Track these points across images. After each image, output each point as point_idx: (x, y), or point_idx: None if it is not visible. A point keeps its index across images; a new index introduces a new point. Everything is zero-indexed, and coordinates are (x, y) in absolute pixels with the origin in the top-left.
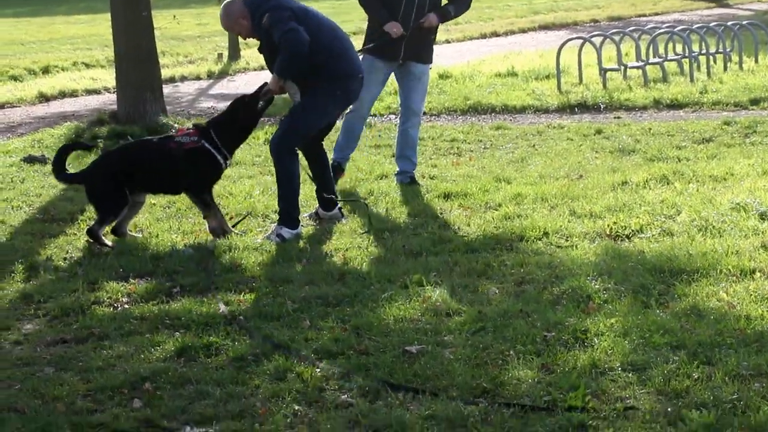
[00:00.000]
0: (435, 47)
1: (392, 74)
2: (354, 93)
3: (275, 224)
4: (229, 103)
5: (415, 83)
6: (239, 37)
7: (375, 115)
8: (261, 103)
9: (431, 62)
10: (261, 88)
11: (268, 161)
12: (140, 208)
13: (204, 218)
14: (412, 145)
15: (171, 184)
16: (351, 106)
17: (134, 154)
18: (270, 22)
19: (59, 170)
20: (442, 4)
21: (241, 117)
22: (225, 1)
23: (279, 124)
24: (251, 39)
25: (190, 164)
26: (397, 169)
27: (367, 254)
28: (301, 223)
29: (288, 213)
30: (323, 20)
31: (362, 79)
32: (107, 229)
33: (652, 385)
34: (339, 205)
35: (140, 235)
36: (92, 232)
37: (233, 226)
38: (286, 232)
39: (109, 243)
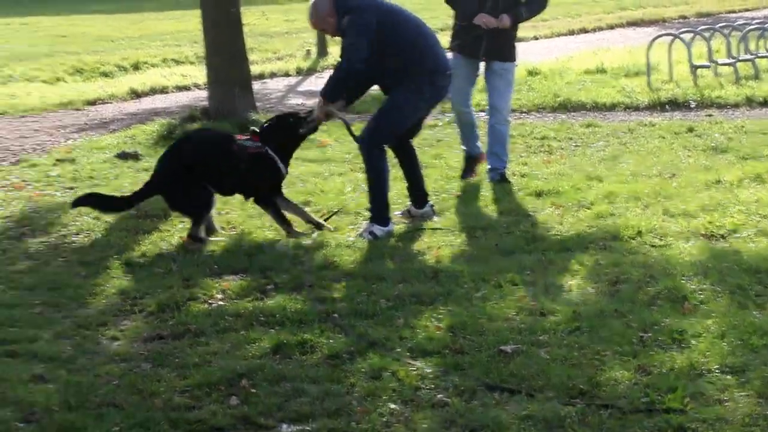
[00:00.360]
0: (524, 44)
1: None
2: (442, 89)
3: (367, 221)
4: (275, 116)
5: (497, 80)
6: (326, 34)
7: None
8: (303, 129)
9: (514, 60)
10: (309, 113)
11: (359, 158)
12: None
13: (287, 235)
14: (500, 142)
15: (232, 185)
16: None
17: (200, 149)
18: (347, 24)
19: (116, 201)
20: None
21: (282, 135)
22: None
23: (367, 122)
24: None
25: (254, 169)
26: (488, 166)
27: (459, 252)
28: (392, 221)
29: (379, 210)
30: (407, 16)
31: (450, 76)
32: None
33: (750, 387)
34: (430, 203)
35: (234, 232)
36: (194, 237)
37: (325, 220)
38: (378, 230)
39: (209, 237)
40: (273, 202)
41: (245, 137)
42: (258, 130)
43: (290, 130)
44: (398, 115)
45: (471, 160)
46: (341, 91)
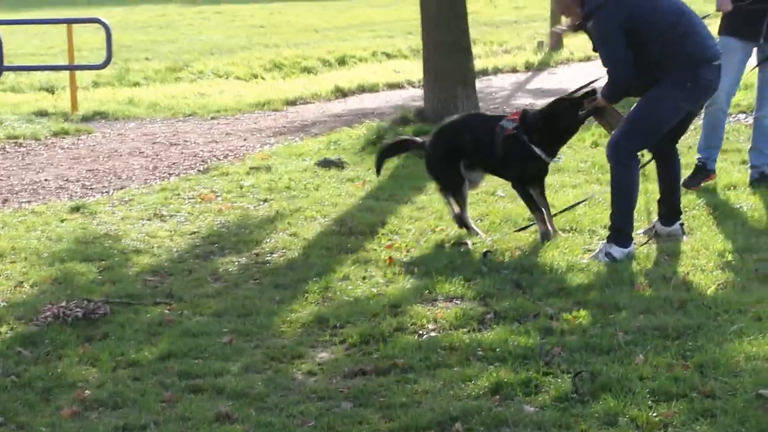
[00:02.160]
0: None
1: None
2: (709, 82)
3: (603, 241)
4: (548, 102)
5: None
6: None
7: None
8: (583, 111)
9: None
10: (588, 93)
11: (595, 168)
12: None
13: (540, 227)
14: (766, 136)
15: (492, 166)
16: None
17: (467, 128)
18: (592, 29)
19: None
20: None
21: (559, 121)
22: None
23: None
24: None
25: (507, 152)
26: (749, 163)
27: (711, 279)
28: (634, 241)
29: (620, 229)
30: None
31: (719, 67)
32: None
33: None
34: (681, 221)
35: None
36: (460, 219)
37: (562, 211)
38: (617, 251)
39: (480, 232)
40: (524, 188)
41: (512, 117)
42: (525, 111)
43: (567, 115)
44: (655, 114)
45: (700, 173)
46: (620, 97)
